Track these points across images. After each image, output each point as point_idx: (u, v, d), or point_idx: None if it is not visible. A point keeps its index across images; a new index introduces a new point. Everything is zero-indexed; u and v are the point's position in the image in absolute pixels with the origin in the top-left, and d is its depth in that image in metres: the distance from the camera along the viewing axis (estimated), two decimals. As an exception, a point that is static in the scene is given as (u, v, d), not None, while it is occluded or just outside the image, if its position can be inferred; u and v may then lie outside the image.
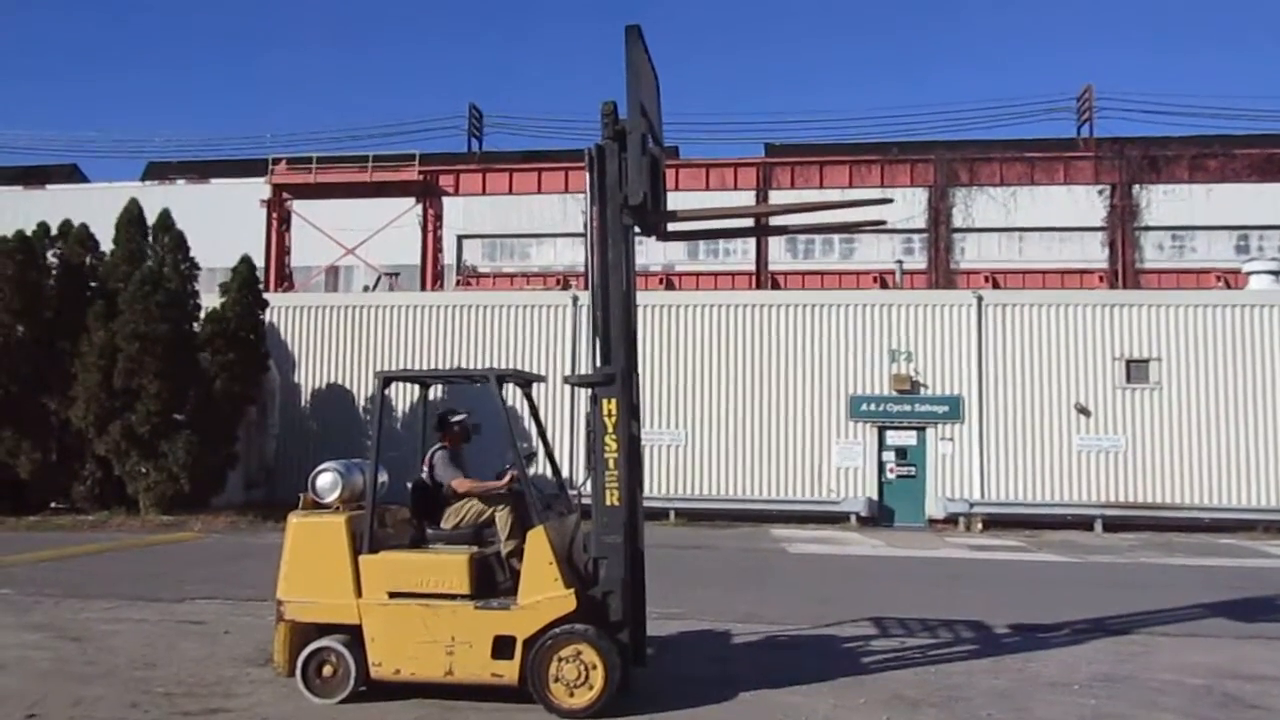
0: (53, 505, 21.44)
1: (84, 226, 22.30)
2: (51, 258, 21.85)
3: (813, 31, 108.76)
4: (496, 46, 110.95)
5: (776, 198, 33.90)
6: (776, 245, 34.06)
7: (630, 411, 6.96)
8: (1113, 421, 22.21)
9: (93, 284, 21.82)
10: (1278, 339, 22.00)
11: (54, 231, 22.16)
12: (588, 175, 7.07)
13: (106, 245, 22.24)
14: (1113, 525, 21.36)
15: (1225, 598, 12.08)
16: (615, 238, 6.98)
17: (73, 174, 45.07)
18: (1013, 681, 7.77)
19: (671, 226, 7.92)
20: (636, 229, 7.24)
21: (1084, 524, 21.45)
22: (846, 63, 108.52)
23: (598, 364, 7.00)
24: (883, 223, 8.25)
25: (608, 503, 6.83)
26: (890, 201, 8.18)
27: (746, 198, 34.10)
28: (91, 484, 21.04)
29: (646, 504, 7.45)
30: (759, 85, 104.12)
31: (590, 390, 7.00)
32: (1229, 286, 29.13)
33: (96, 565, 14.32)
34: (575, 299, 24.11)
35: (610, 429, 6.85)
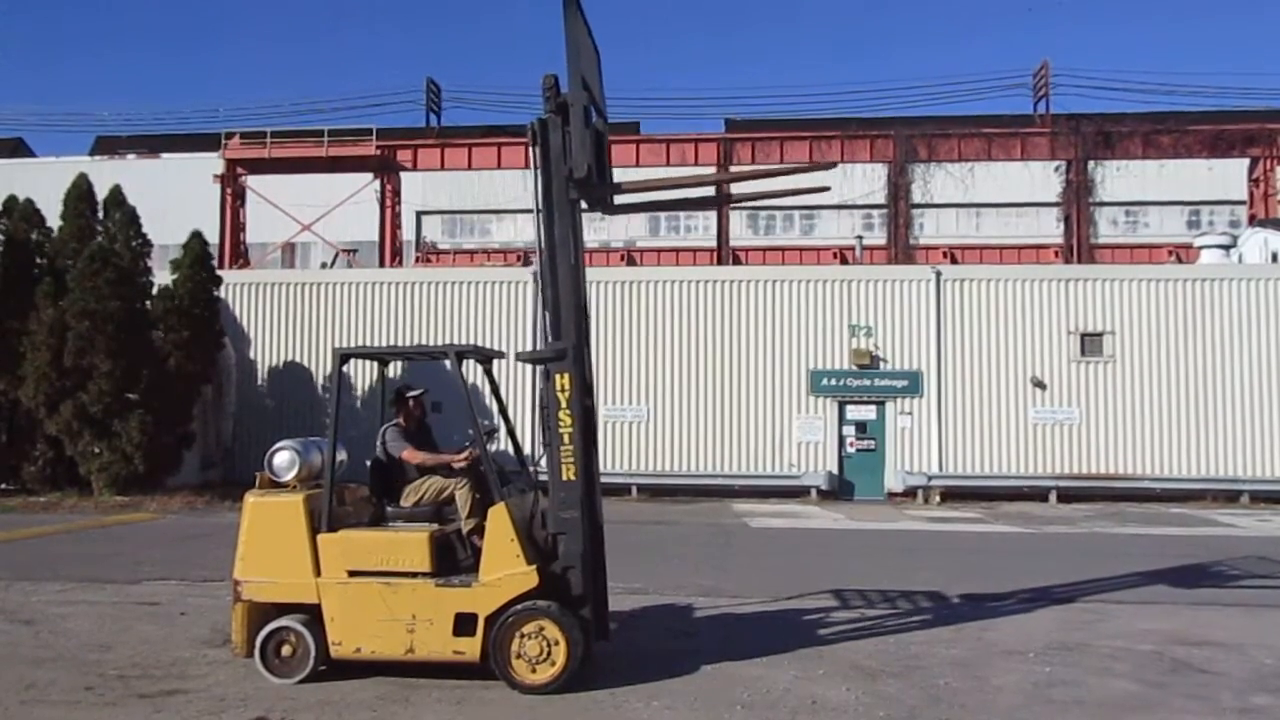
0: (3, 487, 21.02)
1: (29, 202, 21.76)
2: (-3, 234, 21.32)
3: (773, 7, 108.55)
4: (455, 21, 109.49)
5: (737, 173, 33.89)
6: (737, 221, 34.14)
7: (583, 386, 6.93)
8: (1067, 394, 22.57)
9: (40, 261, 21.33)
10: (1228, 313, 22.44)
11: (-1, 207, 21.61)
12: (530, 150, 7.01)
13: (54, 221, 21.73)
14: (1067, 496, 21.77)
15: (1175, 565, 12.35)
16: (561, 212, 6.93)
17: (18, 148, 43.98)
18: (970, 650, 7.89)
19: (619, 199, 7.84)
20: (583, 203, 7.19)
21: (1039, 495, 21.83)
22: (807, 39, 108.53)
23: (549, 339, 6.96)
24: (827, 188, 8.25)
25: (564, 478, 6.80)
26: (834, 165, 8.22)
27: (707, 173, 34.05)
28: (43, 465, 20.67)
29: (609, 480, 7.48)
30: (720, 61, 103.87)
31: (543, 366, 6.96)
32: (1180, 261, 29.68)
33: (49, 547, 14.05)
34: (536, 275, 23.90)
35: (564, 404, 6.81)
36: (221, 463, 23.30)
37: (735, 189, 34.23)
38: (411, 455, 7.29)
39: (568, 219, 6.93)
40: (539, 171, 6.96)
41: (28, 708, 6.31)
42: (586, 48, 7.08)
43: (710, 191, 34.02)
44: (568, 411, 6.80)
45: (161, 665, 7.29)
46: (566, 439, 6.80)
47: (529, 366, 22.35)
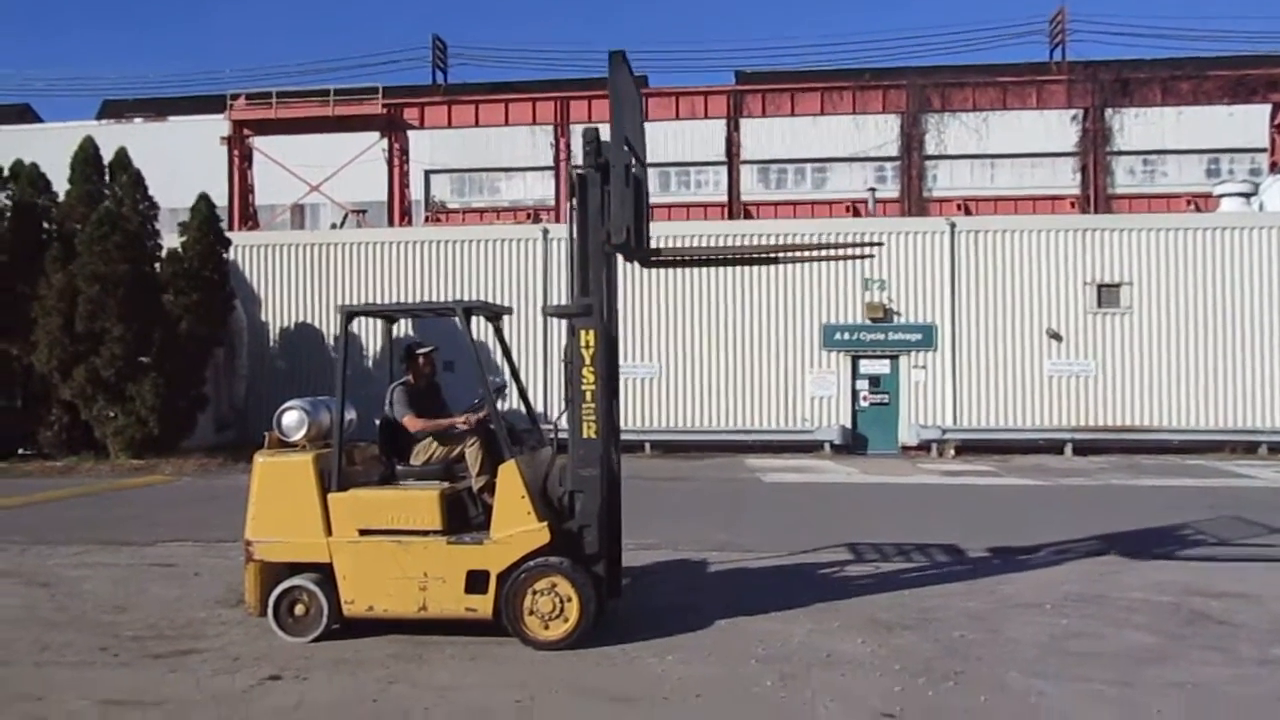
0: (20, 452, 21.15)
1: (35, 167, 21.67)
2: (4, 199, 21.24)
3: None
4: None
5: (747, 126, 33.51)
6: (749, 176, 33.73)
7: (608, 343, 6.85)
8: (1084, 346, 22.37)
9: (49, 226, 21.29)
10: (1247, 262, 22.14)
11: (5, 173, 21.51)
12: (569, 202, 6.94)
13: (61, 186, 21.65)
14: (1083, 448, 21.66)
15: (1193, 517, 12.26)
16: (596, 264, 6.83)
17: (25, 114, 43.78)
18: (986, 603, 7.84)
19: (655, 259, 7.88)
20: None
21: (1055, 448, 21.73)
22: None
23: (575, 295, 6.88)
24: (871, 255, 8.28)
25: (584, 435, 6.74)
26: (880, 245, 8.20)
27: (717, 126, 33.69)
28: (58, 429, 20.76)
29: (622, 437, 7.38)
30: (729, 12, 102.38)
31: (568, 321, 6.86)
32: (1199, 210, 29.23)
33: (65, 511, 14.14)
34: (545, 232, 23.83)
35: (588, 360, 6.73)
36: (235, 424, 23.40)
37: (746, 152, 33.86)
38: (412, 423, 7.19)
39: (601, 271, 6.84)
40: (575, 221, 6.87)
41: (43, 669, 6.33)
42: (630, 99, 6.96)
43: (720, 176, 33.77)
44: (590, 369, 6.73)
45: (176, 626, 7.31)
46: (588, 396, 6.73)
47: (539, 323, 22.45)
